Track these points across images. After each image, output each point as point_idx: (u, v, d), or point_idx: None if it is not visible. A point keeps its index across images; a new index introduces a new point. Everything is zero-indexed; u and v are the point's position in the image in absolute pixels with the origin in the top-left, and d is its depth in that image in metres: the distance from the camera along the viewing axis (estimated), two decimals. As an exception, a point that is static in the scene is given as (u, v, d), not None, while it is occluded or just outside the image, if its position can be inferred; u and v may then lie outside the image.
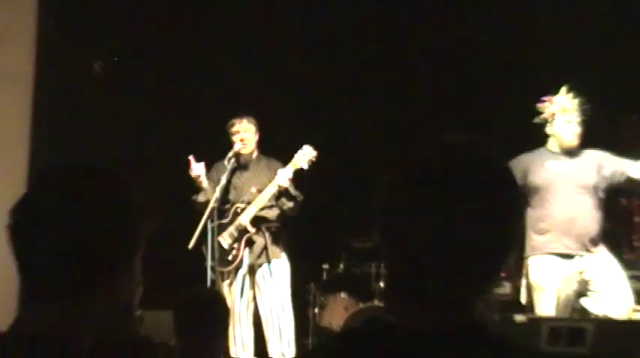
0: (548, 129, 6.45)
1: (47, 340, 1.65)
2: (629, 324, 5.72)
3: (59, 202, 1.70)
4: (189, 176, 7.12)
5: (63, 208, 1.69)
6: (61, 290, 1.67)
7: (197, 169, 7.10)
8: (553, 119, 6.42)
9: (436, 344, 1.52)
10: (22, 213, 1.69)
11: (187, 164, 7.11)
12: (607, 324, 5.57)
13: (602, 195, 6.37)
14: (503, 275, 7.37)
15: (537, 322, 5.44)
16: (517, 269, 7.31)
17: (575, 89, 6.39)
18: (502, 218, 1.58)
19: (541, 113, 6.43)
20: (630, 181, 6.41)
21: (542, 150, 6.49)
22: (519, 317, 6.10)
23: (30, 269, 1.69)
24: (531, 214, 6.34)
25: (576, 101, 6.36)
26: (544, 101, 6.41)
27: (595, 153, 6.40)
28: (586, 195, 6.27)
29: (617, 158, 6.37)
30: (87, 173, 1.76)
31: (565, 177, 6.29)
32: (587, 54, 7.82)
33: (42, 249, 1.67)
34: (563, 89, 6.43)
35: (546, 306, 6.18)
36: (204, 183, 7.12)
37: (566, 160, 6.36)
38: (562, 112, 6.37)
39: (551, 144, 6.46)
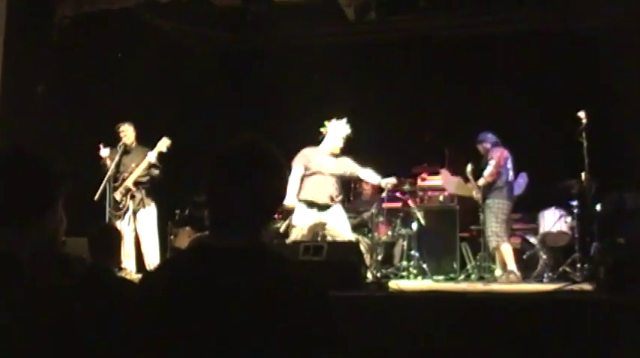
0: (326, 138, 6.44)
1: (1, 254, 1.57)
2: (347, 243, 5.90)
3: (9, 169, 1.63)
4: (99, 155, 6.97)
5: (11, 173, 1.62)
6: (9, 222, 1.60)
7: (104, 152, 6.97)
8: (331, 133, 6.44)
9: (236, 256, 1.51)
10: None
11: (98, 149, 6.97)
12: (334, 244, 5.73)
13: (343, 179, 6.57)
14: (278, 217, 7.43)
15: (297, 243, 5.53)
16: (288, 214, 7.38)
17: (349, 121, 6.45)
18: (272, 185, 1.58)
19: (325, 127, 6.47)
20: (357, 178, 6.83)
21: (319, 148, 6.46)
22: (288, 241, 6.20)
23: None
24: (307, 183, 6.32)
25: (347, 128, 6.40)
26: (330, 120, 6.46)
27: (345, 159, 6.47)
28: (334, 179, 6.35)
29: (355, 164, 6.47)
30: (28, 154, 1.67)
31: (325, 169, 6.33)
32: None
33: None
34: (344, 119, 6.45)
35: (296, 236, 6.25)
36: (108, 160, 6.93)
37: (330, 159, 6.40)
38: (336, 131, 6.41)
39: (324, 147, 6.44)
